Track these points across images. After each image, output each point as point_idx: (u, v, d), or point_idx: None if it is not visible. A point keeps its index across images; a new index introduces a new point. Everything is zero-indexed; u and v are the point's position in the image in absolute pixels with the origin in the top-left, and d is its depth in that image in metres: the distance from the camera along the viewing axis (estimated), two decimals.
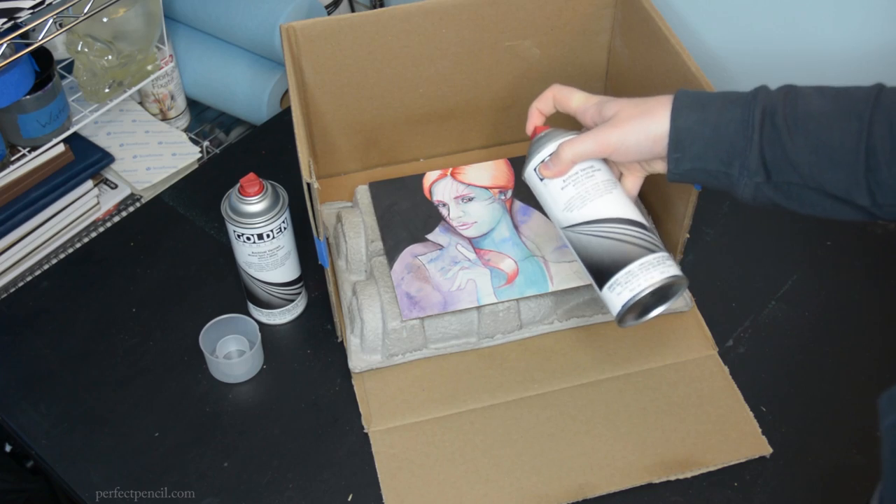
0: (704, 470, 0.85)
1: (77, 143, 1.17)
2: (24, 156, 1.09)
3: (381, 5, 1.45)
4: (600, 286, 0.74)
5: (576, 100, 0.78)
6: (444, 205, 1.01)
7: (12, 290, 1.06)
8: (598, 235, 0.73)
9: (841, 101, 0.66)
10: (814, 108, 0.66)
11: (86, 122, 1.15)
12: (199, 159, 1.27)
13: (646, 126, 0.72)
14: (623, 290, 0.72)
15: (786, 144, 0.66)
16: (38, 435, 0.89)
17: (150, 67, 1.19)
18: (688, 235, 0.97)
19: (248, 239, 0.89)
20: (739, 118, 0.68)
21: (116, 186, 1.22)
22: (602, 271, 0.73)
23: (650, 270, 0.72)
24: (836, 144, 0.65)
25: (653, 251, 0.73)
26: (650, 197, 1.05)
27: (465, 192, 1.02)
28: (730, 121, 0.69)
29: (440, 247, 0.96)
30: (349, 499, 0.84)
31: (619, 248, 0.73)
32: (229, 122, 1.38)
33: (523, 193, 1.02)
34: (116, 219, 1.19)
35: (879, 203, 0.65)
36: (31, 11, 0.95)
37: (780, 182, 0.68)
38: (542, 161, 0.77)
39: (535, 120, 0.81)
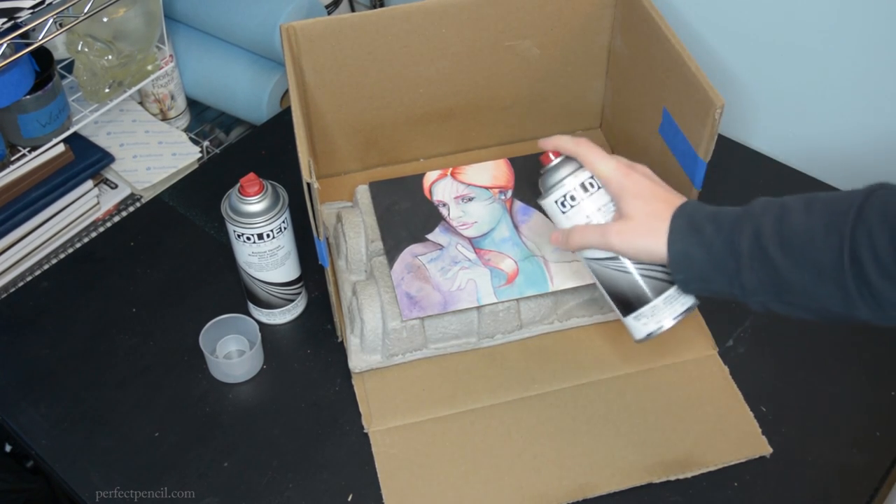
0: (704, 470, 0.85)
1: (77, 143, 1.17)
2: (24, 156, 1.09)
3: (381, 5, 1.45)
4: (624, 314, 0.79)
5: (603, 169, 0.77)
6: (444, 205, 1.01)
7: (12, 290, 1.06)
8: (622, 270, 0.77)
9: (825, 214, 0.64)
10: (798, 226, 0.65)
11: (86, 122, 1.15)
12: (199, 159, 1.27)
13: (647, 245, 0.73)
14: (649, 321, 0.78)
15: (778, 265, 0.65)
16: (38, 435, 0.89)
17: (150, 67, 1.19)
18: None
19: (248, 239, 0.89)
20: (727, 241, 0.68)
21: (116, 186, 1.22)
22: (627, 302, 0.78)
23: (672, 304, 0.77)
24: (822, 261, 0.63)
25: (672, 283, 0.76)
26: None
27: (465, 192, 1.02)
28: (721, 245, 0.68)
29: (440, 247, 0.96)
30: (349, 499, 0.84)
31: (642, 284, 0.77)
32: (229, 122, 1.38)
33: (523, 193, 1.02)
34: (116, 219, 1.19)
35: (890, 315, 0.62)
36: (31, 11, 0.95)
37: (785, 301, 0.67)
38: (563, 199, 0.79)
39: (550, 147, 0.81)
